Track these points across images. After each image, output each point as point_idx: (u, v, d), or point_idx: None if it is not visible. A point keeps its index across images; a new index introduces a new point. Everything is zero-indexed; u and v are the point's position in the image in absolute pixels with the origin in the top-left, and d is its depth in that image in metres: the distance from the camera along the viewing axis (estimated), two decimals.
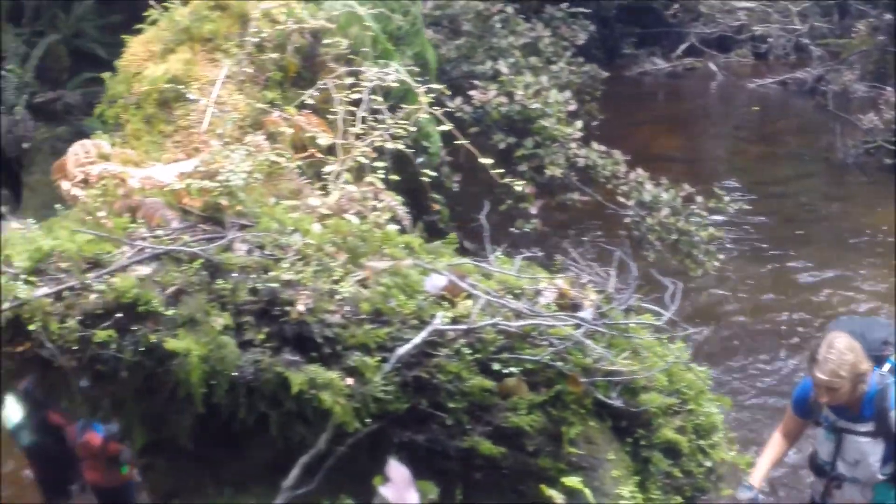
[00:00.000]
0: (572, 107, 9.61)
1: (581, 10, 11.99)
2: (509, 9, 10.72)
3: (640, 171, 9.98)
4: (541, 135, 9.35)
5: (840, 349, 5.14)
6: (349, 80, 5.35)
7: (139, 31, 6.14)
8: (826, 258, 12.06)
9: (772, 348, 10.10)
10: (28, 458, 6.83)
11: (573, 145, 9.45)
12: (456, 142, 5.41)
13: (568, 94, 9.80)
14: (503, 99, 9.26)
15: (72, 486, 7.01)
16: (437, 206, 5.95)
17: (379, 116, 5.24)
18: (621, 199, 9.91)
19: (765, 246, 12.51)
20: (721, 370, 9.11)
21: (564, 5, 11.77)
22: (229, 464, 4.76)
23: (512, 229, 9.37)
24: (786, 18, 18.80)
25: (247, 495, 4.67)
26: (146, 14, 6.12)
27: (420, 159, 5.63)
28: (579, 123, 9.56)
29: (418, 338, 4.14)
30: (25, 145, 10.68)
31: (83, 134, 10.77)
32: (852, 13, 19.13)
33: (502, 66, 9.87)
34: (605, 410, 4.68)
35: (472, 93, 9.19)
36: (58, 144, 10.70)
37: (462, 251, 5.27)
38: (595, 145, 9.78)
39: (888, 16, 16.94)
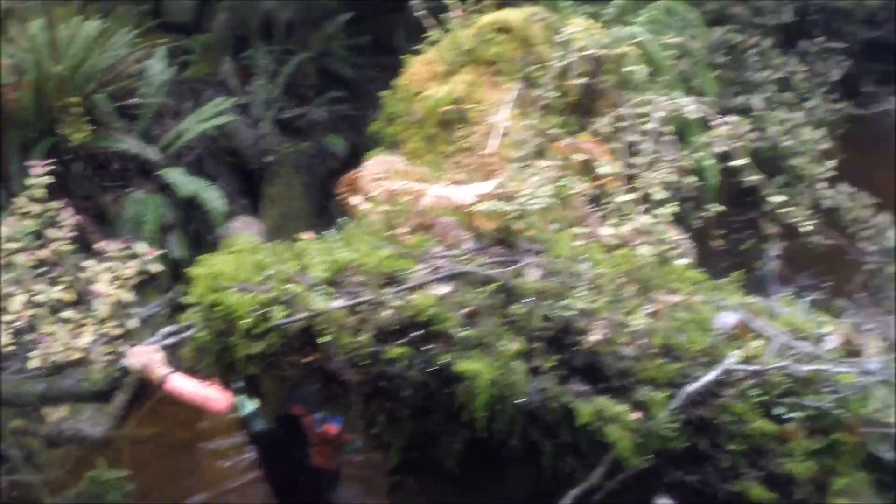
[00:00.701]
0: (825, 145, 9.32)
1: (835, 44, 11.59)
2: (766, 41, 10.45)
3: (887, 215, 9.59)
4: (790, 173, 9.09)
5: None
6: (638, 110, 5.31)
7: (415, 52, 6.27)
8: None
9: None
10: (253, 442, 7.09)
11: (820, 185, 9.14)
12: (751, 177, 5.29)
13: (823, 131, 9.51)
14: (754, 135, 9.04)
15: (297, 473, 7.25)
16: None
17: (661, 148, 5.20)
18: (860, 245, 9.51)
19: None
20: None
21: (819, 39, 11.43)
22: (487, 489, 4.77)
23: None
24: None
25: None
26: (420, 33, 6.24)
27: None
28: (831, 163, 9.25)
29: (711, 375, 4.06)
30: (269, 158, 11.02)
31: (325, 150, 11.15)
32: None
33: (755, 101, 9.66)
34: (872, 463, 4.49)
35: (723, 128, 9.05)
36: (301, 159, 11.05)
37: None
38: (842, 186, 9.45)
39: None
